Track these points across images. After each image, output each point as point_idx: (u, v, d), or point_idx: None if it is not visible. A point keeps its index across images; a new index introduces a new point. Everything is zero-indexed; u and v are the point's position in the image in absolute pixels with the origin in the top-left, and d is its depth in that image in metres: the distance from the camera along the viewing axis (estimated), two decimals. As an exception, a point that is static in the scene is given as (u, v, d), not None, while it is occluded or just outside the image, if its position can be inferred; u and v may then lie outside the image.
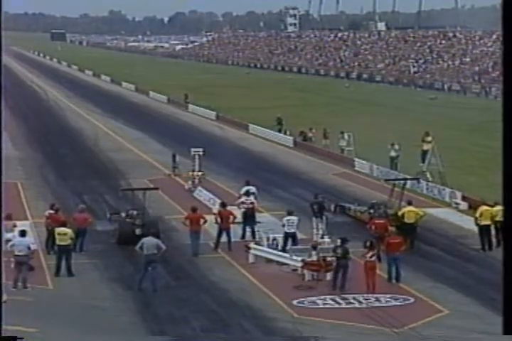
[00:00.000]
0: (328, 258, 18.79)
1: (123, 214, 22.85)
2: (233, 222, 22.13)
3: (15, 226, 20.58)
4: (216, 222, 21.95)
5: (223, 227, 21.81)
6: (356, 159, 35.14)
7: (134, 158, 37.47)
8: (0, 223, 18.46)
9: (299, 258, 19.26)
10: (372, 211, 23.80)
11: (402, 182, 25.49)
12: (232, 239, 21.87)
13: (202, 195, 28.41)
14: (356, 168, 34.66)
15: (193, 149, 30.93)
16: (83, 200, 27.22)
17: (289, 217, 21.40)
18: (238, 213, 23.10)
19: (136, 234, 21.15)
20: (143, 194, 23.33)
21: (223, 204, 22.65)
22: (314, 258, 19.11)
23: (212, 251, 21.52)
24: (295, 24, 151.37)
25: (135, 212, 22.37)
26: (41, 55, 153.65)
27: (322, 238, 21.67)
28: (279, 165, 35.92)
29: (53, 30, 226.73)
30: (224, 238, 21.78)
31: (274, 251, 20.45)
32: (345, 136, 37.80)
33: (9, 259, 19.07)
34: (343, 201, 26.87)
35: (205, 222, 21.64)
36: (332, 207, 25.52)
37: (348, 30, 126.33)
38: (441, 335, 15.61)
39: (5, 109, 55.26)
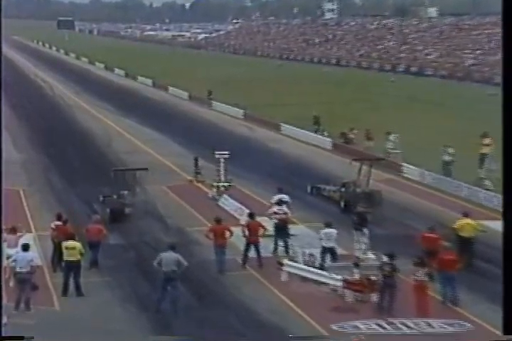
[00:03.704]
0: (373, 277, 18.70)
1: (115, 197, 26.60)
2: (263, 235, 22.11)
3: (20, 236, 20.69)
4: (244, 235, 21.94)
5: (251, 241, 21.81)
6: (404, 164, 34.97)
7: (150, 161, 37.51)
8: None
9: (339, 277, 19.18)
10: (343, 189, 28.44)
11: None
12: (263, 254, 21.85)
13: (228, 204, 28.43)
14: (404, 174, 34.50)
15: (217, 152, 30.95)
16: (93, 209, 27.34)
17: (327, 230, 21.37)
18: (269, 225, 23.08)
19: (125, 213, 25.67)
20: (134, 175, 27.25)
21: (251, 215, 22.66)
22: (356, 276, 19.04)
23: (240, 268, 21.53)
24: (333, 10, 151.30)
25: (126, 193, 26.46)
26: (47, 45, 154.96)
27: (365, 253, 21.57)
28: (315, 170, 35.84)
29: (60, 18, 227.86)
30: (253, 253, 21.76)
31: (311, 268, 20.40)
32: (392, 138, 37.67)
33: (10, 276, 19.23)
34: (391, 212, 26.93)
35: (232, 234, 21.66)
36: (308, 189, 30.18)
37: (394, 17, 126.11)
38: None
39: (5, 107, 55.82)
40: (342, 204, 28.18)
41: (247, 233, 21.90)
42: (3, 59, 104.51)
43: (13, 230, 20.91)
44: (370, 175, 28.45)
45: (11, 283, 19.08)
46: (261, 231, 22.01)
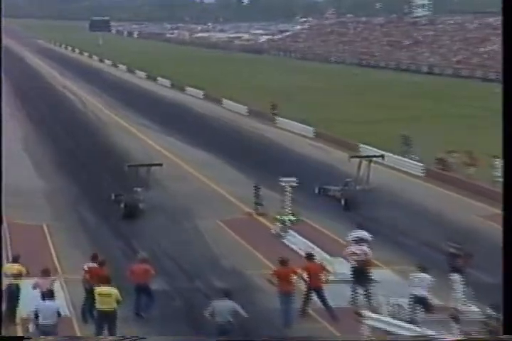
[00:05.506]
0: (476, 334, 18.47)
1: (128, 195, 32.42)
2: (326, 281, 22.07)
3: (53, 280, 21.02)
4: (304, 281, 22.03)
5: (313, 286, 21.93)
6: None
7: (200, 189, 37.73)
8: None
9: (434, 333, 18.97)
10: (346, 188, 34.41)
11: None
12: (338, 304, 21.90)
13: (295, 241, 28.42)
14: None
15: (282, 179, 30.96)
16: (132, 247, 27.49)
17: (418, 275, 21.25)
18: (346, 267, 23.05)
19: (139, 208, 32.11)
20: (148, 170, 33.85)
21: (309, 256, 22.71)
22: (456, 332, 18.80)
23: (311, 320, 21.54)
24: (425, 5, 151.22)
25: (139, 189, 32.69)
26: (76, 50, 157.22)
27: (466, 305, 21.34)
28: (401, 202, 35.64)
29: (93, 18, 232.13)
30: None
31: (398, 322, 20.19)
32: (498, 163, 37.28)
33: (28, 326, 19.46)
34: (498, 255, 26.61)
35: (300, 278, 21.71)
36: (316, 190, 35.59)
37: (499, 14, 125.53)
38: None
39: (27, 123, 56.77)
40: (342, 201, 33.96)
41: (306, 278, 21.95)
42: (25, 68, 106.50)
43: (46, 272, 21.13)
44: (370, 170, 34.74)
45: (31, 329, 19.35)
46: (323, 276, 22.03)
